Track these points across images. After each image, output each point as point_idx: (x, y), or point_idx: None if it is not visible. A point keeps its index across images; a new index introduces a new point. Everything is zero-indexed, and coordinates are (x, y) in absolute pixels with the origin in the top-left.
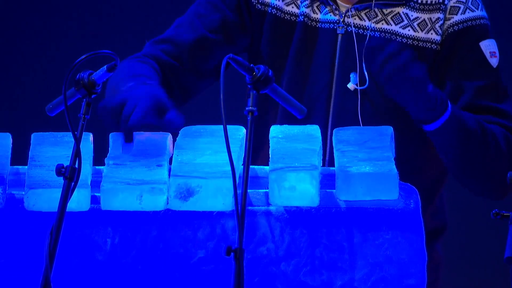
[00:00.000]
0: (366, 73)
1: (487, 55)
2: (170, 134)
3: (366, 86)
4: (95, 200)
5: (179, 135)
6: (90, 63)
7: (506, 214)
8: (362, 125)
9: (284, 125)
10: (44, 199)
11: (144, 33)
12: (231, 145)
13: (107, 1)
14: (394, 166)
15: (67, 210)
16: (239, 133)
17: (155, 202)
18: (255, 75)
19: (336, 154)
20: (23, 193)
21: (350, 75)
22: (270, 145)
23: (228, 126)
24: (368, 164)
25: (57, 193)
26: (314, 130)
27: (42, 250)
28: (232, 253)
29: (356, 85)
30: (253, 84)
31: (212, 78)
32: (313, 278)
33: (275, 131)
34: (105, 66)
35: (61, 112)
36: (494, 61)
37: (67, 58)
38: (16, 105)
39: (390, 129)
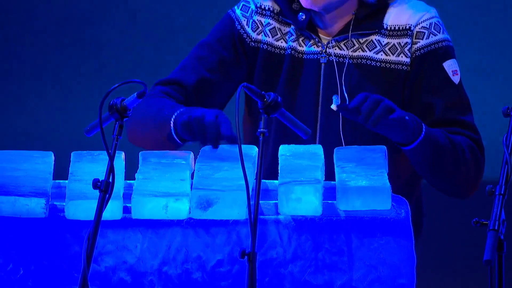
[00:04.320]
0: (346, 94)
1: (450, 74)
2: (192, 153)
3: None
4: (126, 210)
5: (200, 153)
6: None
7: (485, 222)
8: (344, 141)
9: (292, 145)
10: (82, 209)
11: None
12: (245, 162)
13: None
14: (387, 181)
15: (102, 219)
16: (252, 151)
17: (179, 211)
18: (266, 101)
19: (336, 170)
20: (64, 204)
21: (333, 97)
22: (279, 161)
23: (243, 146)
24: (365, 179)
25: (93, 204)
26: (317, 149)
27: (80, 254)
28: (246, 256)
29: (338, 105)
30: (264, 109)
31: None
32: (316, 278)
33: (284, 149)
34: (135, 93)
35: (97, 133)
36: (456, 79)
37: (97, 87)
38: (58, 128)
39: (384, 148)
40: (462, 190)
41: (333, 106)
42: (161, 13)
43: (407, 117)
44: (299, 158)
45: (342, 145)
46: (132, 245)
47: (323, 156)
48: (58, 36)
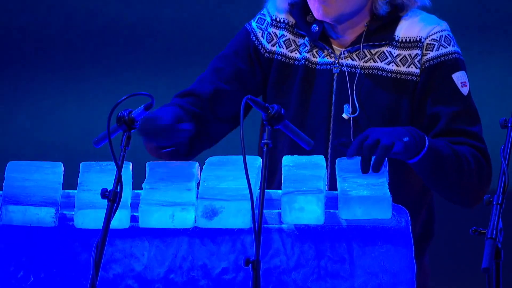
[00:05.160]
0: (357, 104)
1: (459, 85)
2: (197, 163)
3: (357, 114)
4: (134, 219)
5: (205, 164)
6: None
7: (483, 231)
8: None
9: (295, 155)
10: (91, 218)
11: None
12: (249, 173)
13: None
14: (388, 190)
15: (110, 228)
16: (256, 162)
17: (185, 220)
18: (270, 113)
19: (338, 180)
20: (73, 213)
21: (344, 106)
22: (282, 172)
23: (247, 156)
24: (366, 189)
25: (102, 213)
26: (320, 159)
27: (89, 261)
28: (250, 264)
29: (349, 114)
30: (268, 121)
31: (233, 124)
32: (319, 285)
33: (287, 160)
34: (142, 105)
35: (105, 144)
36: (465, 90)
37: (105, 101)
38: (67, 139)
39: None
40: (467, 199)
41: (344, 115)
42: (172, 27)
43: (406, 139)
44: (302, 168)
45: None
46: (140, 253)
47: (325, 166)
48: (69, 46)
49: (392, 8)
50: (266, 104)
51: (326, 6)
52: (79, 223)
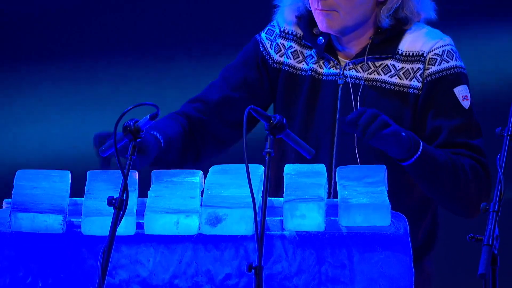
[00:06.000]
0: None
1: (460, 99)
2: (201, 172)
3: None
4: (139, 225)
5: (209, 172)
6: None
7: (479, 237)
8: (360, 160)
9: (296, 164)
10: (97, 225)
11: None
12: (252, 181)
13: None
14: (387, 198)
15: (116, 234)
16: (258, 170)
17: (189, 227)
18: (272, 122)
19: (338, 188)
20: (80, 220)
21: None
22: (284, 180)
23: (250, 165)
24: (365, 196)
25: (108, 220)
26: (321, 168)
27: (95, 267)
28: (253, 270)
29: None
30: (270, 130)
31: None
32: None
33: (289, 168)
34: (148, 115)
35: (111, 153)
36: (466, 104)
37: (111, 111)
38: (74, 148)
39: (383, 168)
40: (464, 209)
41: None
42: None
43: (403, 133)
44: (304, 176)
45: (358, 163)
46: (145, 259)
47: (326, 174)
48: (77, 56)
49: (395, 21)
50: (269, 114)
51: (330, 19)
52: (86, 230)
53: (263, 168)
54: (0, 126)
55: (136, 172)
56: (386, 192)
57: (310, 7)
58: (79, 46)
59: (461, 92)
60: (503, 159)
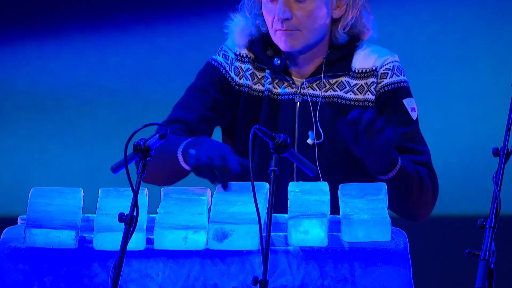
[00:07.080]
0: (320, 130)
1: (409, 109)
2: (209, 189)
3: (321, 140)
4: (149, 241)
5: (216, 189)
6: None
7: (476, 252)
8: (320, 173)
9: (300, 182)
10: (109, 240)
11: None
12: (257, 198)
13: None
14: (387, 215)
15: (127, 249)
16: (264, 188)
17: (197, 242)
18: (277, 142)
19: (341, 204)
20: (92, 235)
21: (309, 133)
22: (288, 197)
23: (255, 182)
24: (367, 213)
25: (119, 236)
26: (323, 185)
27: (107, 281)
28: (258, 284)
29: (314, 140)
30: (275, 149)
31: None
32: None
33: (293, 186)
34: (157, 135)
35: (122, 171)
36: (414, 115)
37: (121, 133)
38: (86, 166)
39: (384, 186)
40: (421, 214)
41: (309, 141)
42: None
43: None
44: (307, 194)
45: (320, 176)
46: (155, 273)
47: (328, 192)
48: (89, 78)
49: (349, 37)
50: (274, 134)
51: (293, 38)
52: (98, 245)
53: (268, 185)
54: (16, 145)
55: (146, 190)
56: (386, 209)
57: (264, 30)
58: (89, 65)
59: (409, 103)
60: (499, 176)
